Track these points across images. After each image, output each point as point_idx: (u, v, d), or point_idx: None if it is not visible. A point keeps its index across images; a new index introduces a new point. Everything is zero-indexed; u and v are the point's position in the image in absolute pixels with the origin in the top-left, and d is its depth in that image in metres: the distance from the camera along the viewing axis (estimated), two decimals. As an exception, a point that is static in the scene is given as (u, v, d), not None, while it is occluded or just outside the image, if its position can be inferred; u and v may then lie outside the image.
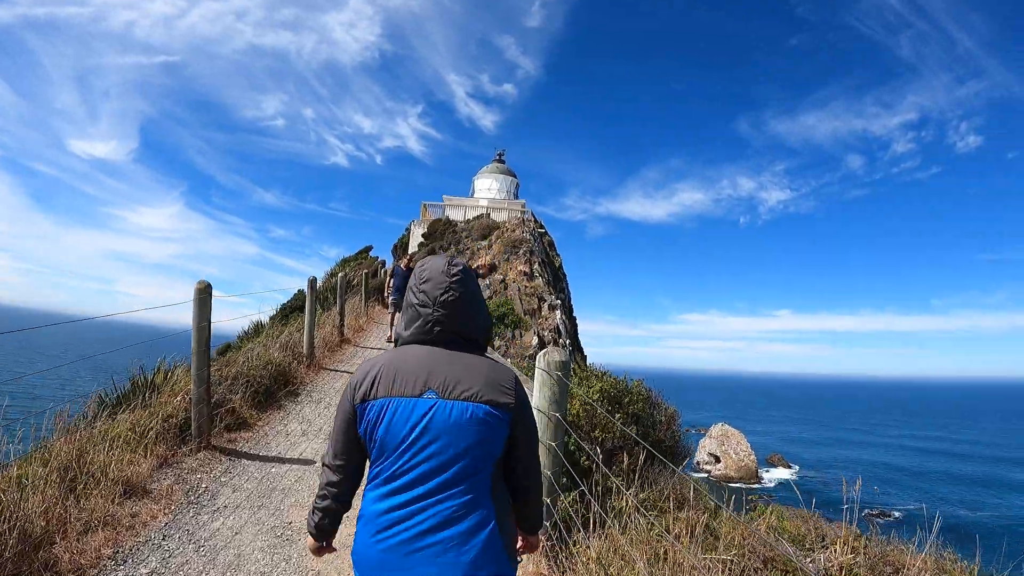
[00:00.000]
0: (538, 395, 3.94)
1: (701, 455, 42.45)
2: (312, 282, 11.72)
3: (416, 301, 2.10)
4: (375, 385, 2.01)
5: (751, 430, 57.18)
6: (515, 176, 51.45)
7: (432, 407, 1.96)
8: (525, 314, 16.60)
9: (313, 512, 2.19)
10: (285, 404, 8.81)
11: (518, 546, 2.31)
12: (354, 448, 2.09)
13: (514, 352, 14.17)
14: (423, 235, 41.01)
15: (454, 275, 2.08)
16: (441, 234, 39.16)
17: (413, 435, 1.95)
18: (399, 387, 1.99)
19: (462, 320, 2.09)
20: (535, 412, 3.80)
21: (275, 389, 8.87)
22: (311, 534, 2.22)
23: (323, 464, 2.18)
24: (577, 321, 34.62)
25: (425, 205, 46.13)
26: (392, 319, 14.80)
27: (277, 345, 10.30)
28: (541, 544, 3.22)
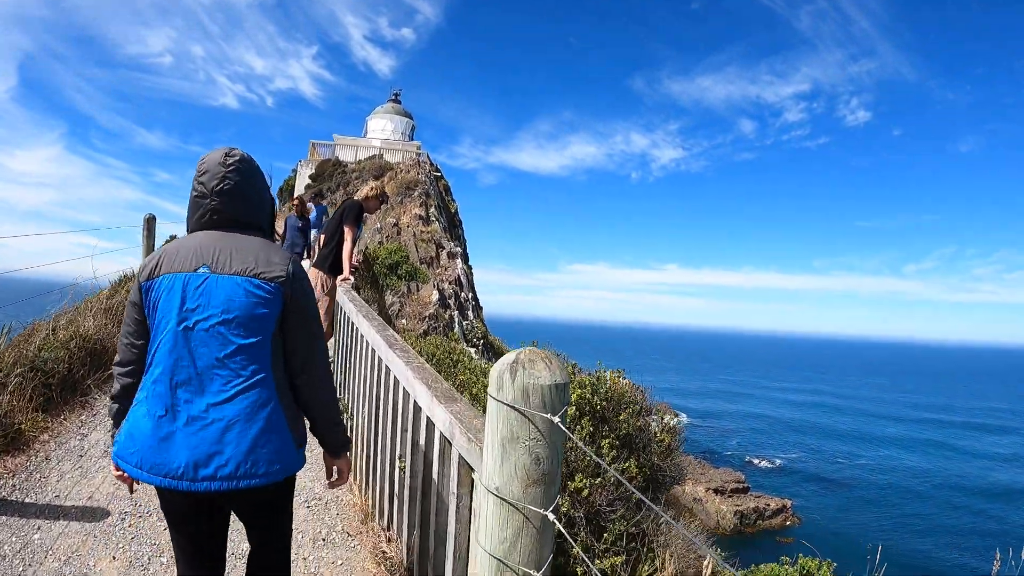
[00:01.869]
0: (495, 463, 1.85)
1: None
2: (149, 222, 9.06)
3: (195, 193, 2.15)
4: (158, 266, 2.06)
5: (639, 379, 58.71)
6: (411, 118, 48.71)
7: (204, 280, 2.01)
8: (421, 263, 14.51)
9: (110, 408, 2.22)
10: (96, 396, 6.48)
11: (330, 479, 2.44)
12: (142, 331, 2.11)
13: (410, 311, 12.07)
14: (310, 176, 37.91)
15: (229, 165, 2.13)
16: (330, 175, 36.17)
17: (186, 309, 1.99)
18: (178, 264, 2.04)
19: (239, 207, 2.14)
20: (489, 495, 1.86)
21: (82, 376, 6.50)
22: (112, 433, 2.18)
23: (114, 364, 2.19)
24: (472, 271, 33.03)
25: (314, 144, 42.82)
26: None
27: (94, 310, 7.80)
28: (350, 470, 2.75)
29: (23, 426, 5.42)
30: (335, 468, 2.42)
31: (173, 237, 19.47)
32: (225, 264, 2.03)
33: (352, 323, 5.06)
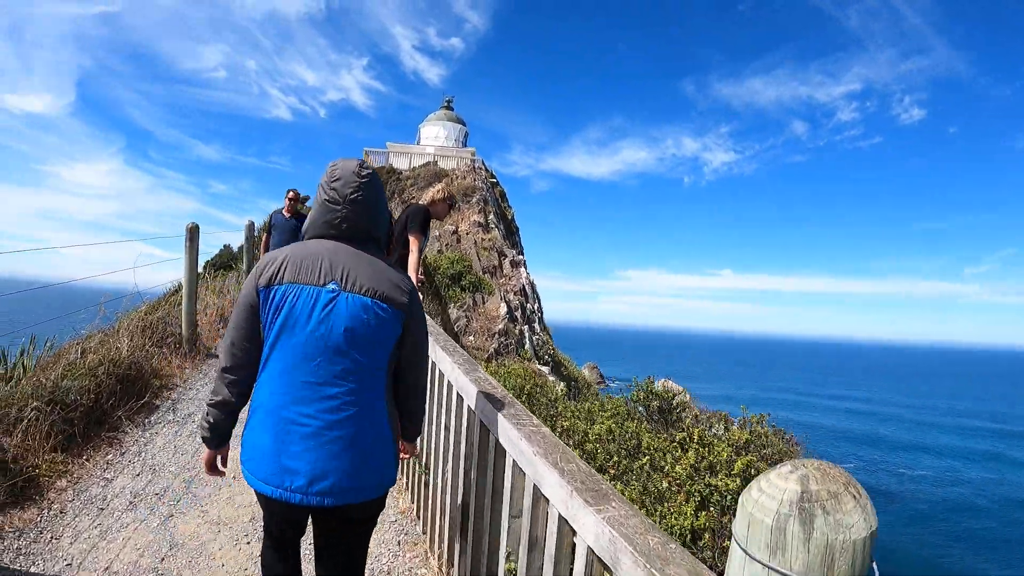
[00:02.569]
0: None
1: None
2: (192, 231, 8.17)
3: (326, 197, 2.12)
4: (281, 271, 2.03)
5: (694, 387, 58.37)
6: (464, 124, 48.17)
7: (333, 297, 2.01)
8: (484, 272, 13.46)
9: (207, 412, 2.16)
10: (127, 430, 5.61)
11: (401, 453, 2.40)
12: (254, 337, 2.08)
13: (478, 327, 10.97)
14: (364, 184, 37.53)
15: (364, 176, 2.13)
16: (384, 183, 35.69)
17: (313, 324, 1.99)
18: (304, 275, 2.02)
19: (367, 219, 2.14)
20: None
21: (111, 407, 5.64)
22: (205, 439, 2.20)
23: (219, 369, 2.13)
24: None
25: (367, 152, 42.49)
26: None
27: (130, 329, 6.96)
28: (416, 451, 2.82)
29: (38, 470, 4.57)
30: (406, 447, 2.45)
31: (227, 246, 18.74)
32: (355, 283, 2.04)
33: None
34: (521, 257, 17.68)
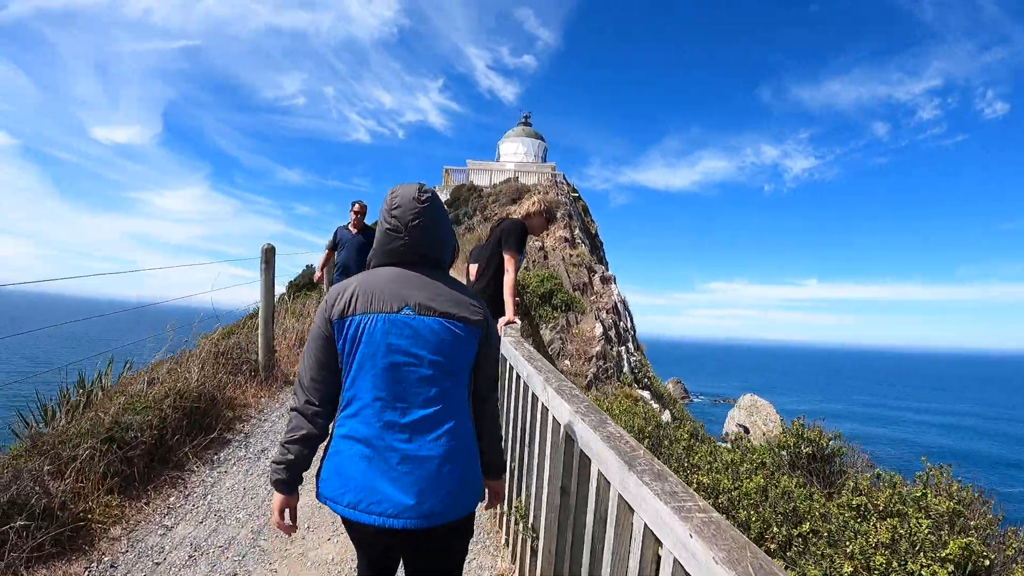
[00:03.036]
0: None
1: (730, 426, 41.43)
2: (268, 253, 7.62)
3: (388, 226, 2.12)
4: (352, 302, 2.03)
5: (779, 401, 56.32)
6: (542, 139, 47.70)
7: (409, 322, 2.01)
8: (575, 290, 12.62)
9: (284, 450, 2.08)
10: (194, 469, 5.07)
11: (487, 498, 2.36)
12: (332, 368, 2.07)
13: (573, 350, 10.13)
14: (446, 202, 37.35)
15: (424, 201, 2.11)
16: (465, 200, 35.36)
17: (394, 351, 1.99)
18: (377, 304, 2.02)
19: (430, 244, 2.13)
20: None
21: (176, 443, 5.11)
22: (279, 481, 2.11)
23: (292, 407, 2.11)
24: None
25: (447, 170, 42.53)
26: None
27: (202, 356, 6.47)
28: (504, 494, 2.53)
29: (90, 516, 4.05)
30: (491, 490, 2.38)
31: (309, 267, 18.58)
32: (428, 307, 2.04)
33: (531, 393, 3.27)
34: (611, 273, 16.78)
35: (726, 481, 3.63)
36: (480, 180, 39.88)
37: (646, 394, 10.45)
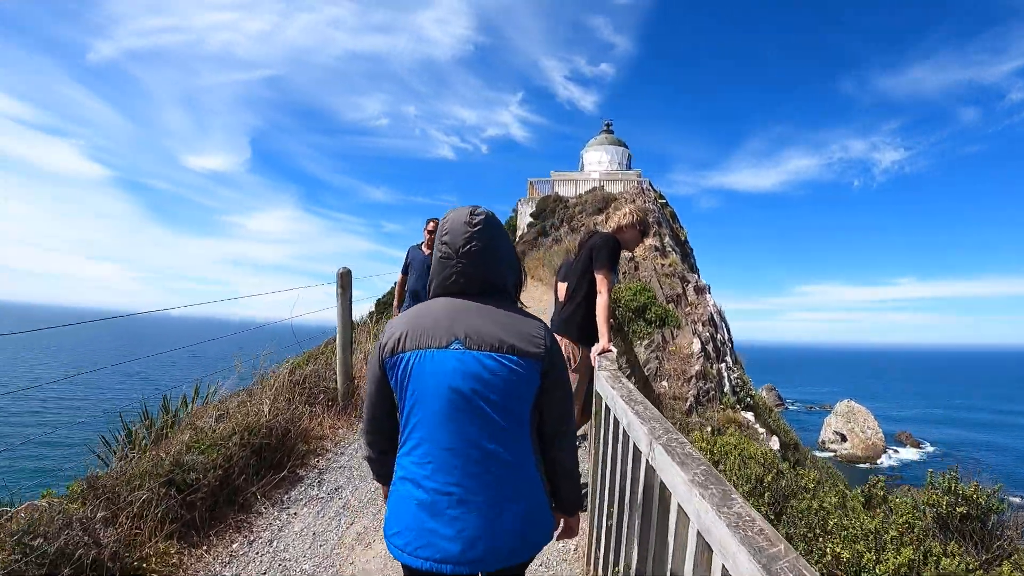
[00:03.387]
0: None
1: (826, 434, 40.97)
2: (343, 277, 7.16)
3: (440, 254, 2.02)
4: (402, 339, 1.95)
5: (878, 406, 53.42)
6: (626, 146, 46.80)
7: (460, 358, 1.89)
8: (668, 302, 11.88)
9: (370, 469, 2.21)
10: (261, 511, 4.72)
11: (556, 531, 2.20)
12: (389, 407, 2.05)
13: (671, 369, 9.34)
14: (531, 215, 37.02)
15: (475, 225, 1.98)
16: (551, 211, 34.92)
17: (443, 390, 1.89)
18: (426, 339, 1.92)
19: (486, 270, 2.00)
20: None
21: (243, 483, 4.77)
22: (380, 481, 2.22)
23: (365, 456, 2.18)
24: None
25: (532, 182, 42.26)
26: None
27: (275, 388, 6.15)
28: (580, 531, 2.59)
29: (144, 565, 3.72)
30: (567, 526, 2.26)
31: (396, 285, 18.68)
32: (480, 339, 1.90)
33: (631, 445, 2.66)
34: (705, 282, 15.91)
35: (868, 555, 2.94)
36: (565, 191, 39.42)
37: (750, 416, 9.59)
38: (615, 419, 3.03)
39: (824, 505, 3.62)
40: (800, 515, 3.56)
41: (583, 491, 2.31)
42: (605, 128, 48.73)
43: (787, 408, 58.17)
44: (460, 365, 1.89)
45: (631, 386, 3.03)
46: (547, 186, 41.26)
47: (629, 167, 45.21)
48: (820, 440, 41.28)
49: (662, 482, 2.18)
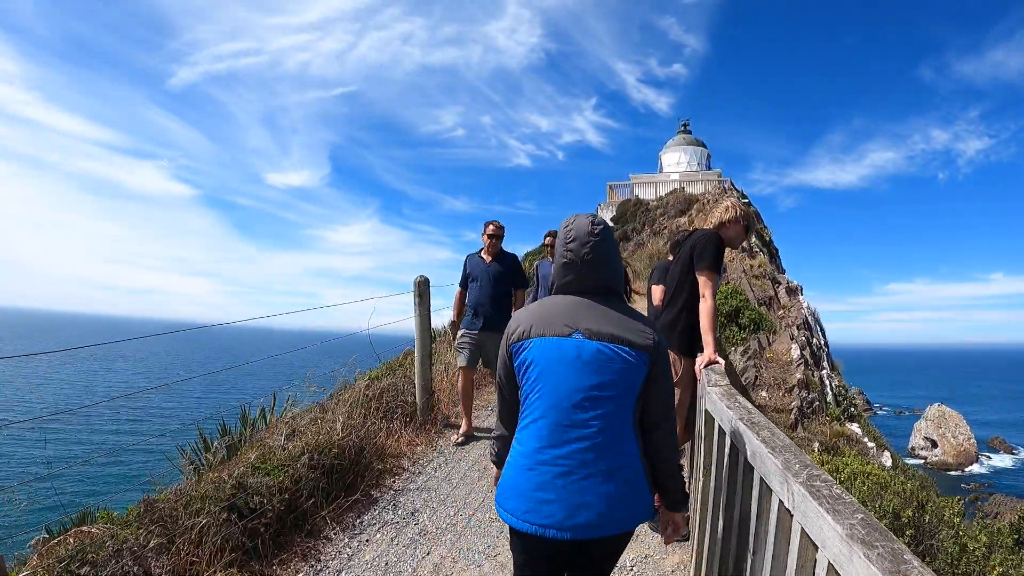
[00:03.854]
0: None
1: (916, 440, 39.86)
2: (421, 285, 6.73)
3: (564, 260, 2.24)
4: (528, 328, 2.19)
5: (970, 410, 49.98)
6: (704, 146, 45.42)
7: (579, 346, 2.11)
8: (760, 305, 11.10)
9: (493, 443, 2.45)
10: (330, 536, 4.38)
11: (664, 529, 2.40)
12: (512, 387, 2.27)
13: (769, 378, 8.60)
14: (612, 219, 36.31)
15: (596, 234, 2.21)
16: (632, 215, 34.14)
17: (561, 372, 2.10)
18: (551, 329, 2.16)
19: (603, 273, 2.23)
20: None
21: (312, 507, 4.46)
22: (494, 463, 2.45)
23: (495, 435, 2.45)
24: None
25: (611, 186, 41.52)
26: None
27: (349, 403, 5.85)
28: (685, 529, 2.52)
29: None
30: (671, 522, 2.39)
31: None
32: (598, 331, 2.12)
33: (757, 478, 2.14)
34: (797, 283, 14.94)
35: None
36: (645, 193, 38.55)
37: (856, 429, 8.76)
38: (731, 445, 2.53)
39: (976, 548, 3.00)
40: (948, 559, 2.94)
41: (684, 484, 2.36)
42: (682, 128, 47.53)
43: (876, 413, 55.46)
44: (579, 352, 2.11)
45: (750, 405, 2.52)
46: (626, 189, 40.44)
47: (709, 167, 43.91)
48: (910, 447, 39.38)
49: (803, 530, 1.69)
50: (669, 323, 4.24)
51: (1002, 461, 41.48)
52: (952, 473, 35.49)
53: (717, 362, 3.64)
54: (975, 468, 37.81)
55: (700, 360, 3.73)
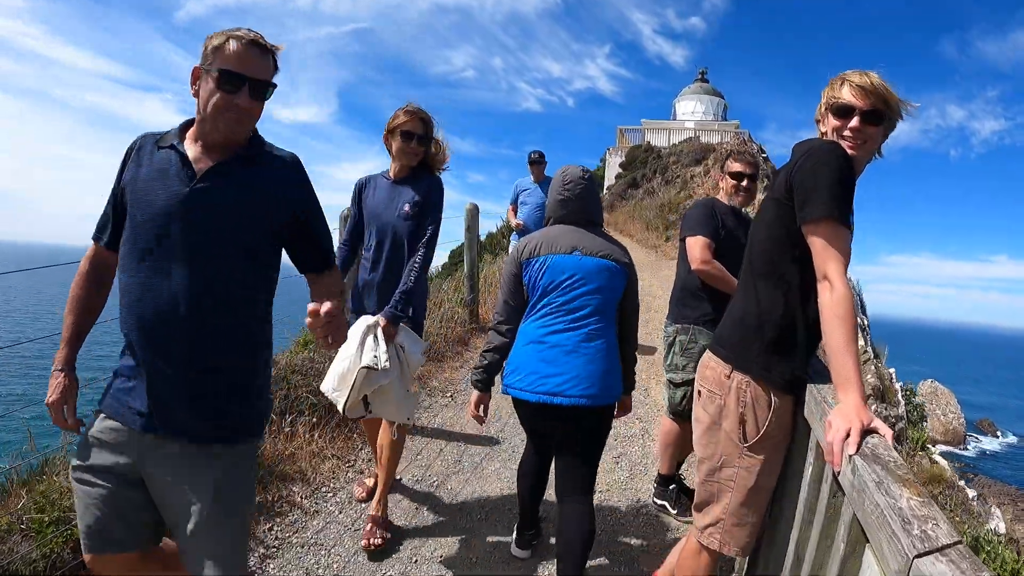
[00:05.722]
0: None
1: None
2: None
3: (561, 197, 2.88)
4: (538, 247, 2.80)
5: (962, 390, 50.49)
6: (722, 96, 44.35)
7: (579, 261, 2.75)
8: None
9: (483, 358, 2.90)
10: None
11: (616, 413, 2.96)
12: (520, 297, 2.85)
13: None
14: (620, 165, 35.63)
15: (586, 179, 2.92)
16: (642, 161, 33.43)
17: (566, 279, 2.73)
18: (556, 247, 2.78)
19: (590, 208, 2.90)
20: None
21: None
22: (476, 381, 2.90)
23: (490, 327, 2.96)
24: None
25: (622, 130, 40.60)
26: None
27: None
28: (630, 409, 3.08)
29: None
30: (622, 401, 2.96)
31: (489, 234, 18.34)
32: (592, 250, 2.77)
33: None
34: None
35: None
36: (657, 140, 37.68)
37: (944, 463, 7.23)
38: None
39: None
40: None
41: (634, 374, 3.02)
42: (700, 77, 46.37)
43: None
44: (579, 263, 2.74)
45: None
46: (638, 135, 39.54)
47: (725, 118, 43.01)
48: (899, 422, 39.66)
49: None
50: (738, 319, 2.25)
51: (988, 444, 41.86)
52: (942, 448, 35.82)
53: (875, 431, 1.66)
54: (961, 448, 38.28)
55: (839, 424, 1.67)
